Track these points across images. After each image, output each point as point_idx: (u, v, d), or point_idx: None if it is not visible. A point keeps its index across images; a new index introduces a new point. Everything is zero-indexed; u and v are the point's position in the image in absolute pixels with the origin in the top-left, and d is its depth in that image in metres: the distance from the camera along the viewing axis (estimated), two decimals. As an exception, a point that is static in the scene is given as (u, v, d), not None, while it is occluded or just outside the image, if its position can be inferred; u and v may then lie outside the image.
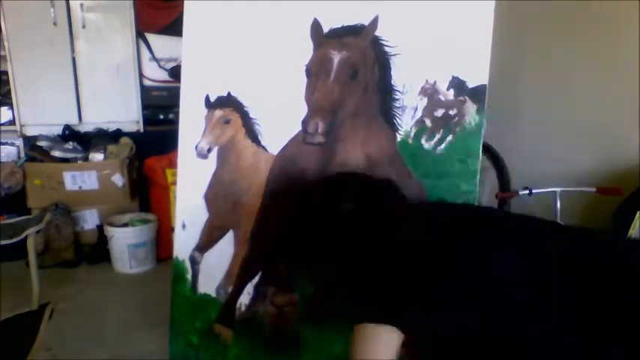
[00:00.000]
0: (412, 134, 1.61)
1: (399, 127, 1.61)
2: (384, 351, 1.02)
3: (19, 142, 3.59)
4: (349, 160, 1.62)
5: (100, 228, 3.40)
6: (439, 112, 1.59)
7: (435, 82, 1.58)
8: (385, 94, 1.61)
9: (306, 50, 1.64)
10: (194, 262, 1.89)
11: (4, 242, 1.70)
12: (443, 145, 1.58)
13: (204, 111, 1.86)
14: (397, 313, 1.03)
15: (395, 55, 1.58)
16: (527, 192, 2.21)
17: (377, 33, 1.58)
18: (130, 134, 3.63)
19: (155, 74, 3.75)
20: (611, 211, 2.25)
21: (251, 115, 1.79)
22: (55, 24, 3.43)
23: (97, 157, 3.35)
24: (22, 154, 3.55)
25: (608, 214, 2.27)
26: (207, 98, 1.85)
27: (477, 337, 1.04)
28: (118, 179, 3.35)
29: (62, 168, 3.29)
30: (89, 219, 3.45)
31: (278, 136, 1.73)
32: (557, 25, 2.79)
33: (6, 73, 3.44)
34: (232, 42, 1.80)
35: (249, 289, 1.79)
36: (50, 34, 3.44)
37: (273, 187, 1.75)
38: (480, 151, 1.56)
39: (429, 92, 1.59)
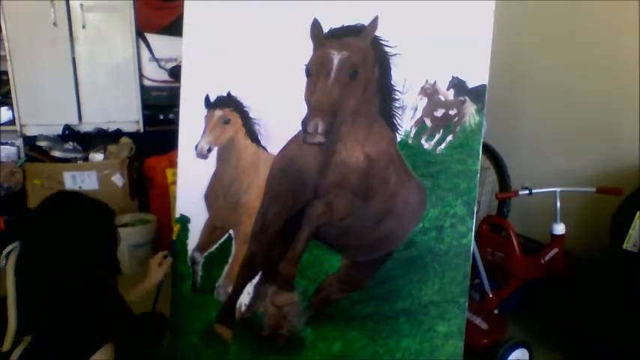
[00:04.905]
0: (412, 134, 1.61)
1: (399, 127, 1.61)
2: None
3: (19, 142, 3.58)
4: (349, 160, 1.62)
5: (100, 228, 3.38)
6: (439, 112, 1.59)
7: (435, 82, 1.58)
8: (385, 94, 1.61)
9: (306, 50, 1.64)
10: (194, 262, 1.89)
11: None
12: (443, 145, 1.58)
13: (204, 111, 1.86)
14: None
15: (395, 55, 1.58)
16: (527, 192, 2.21)
17: (377, 33, 1.58)
18: (130, 134, 3.63)
19: (155, 74, 3.74)
20: (611, 211, 2.24)
21: (251, 115, 1.79)
22: (55, 24, 3.42)
23: (97, 157, 3.35)
24: (22, 154, 3.54)
25: (608, 214, 2.26)
26: (207, 98, 1.85)
27: None
28: (118, 179, 3.34)
29: (62, 168, 3.28)
30: (89, 219, 3.43)
31: (278, 136, 1.73)
32: (557, 24, 2.79)
33: (6, 73, 3.44)
34: (232, 42, 1.80)
35: (249, 289, 1.79)
36: (50, 34, 3.43)
37: (273, 187, 1.75)
38: (480, 151, 1.56)
39: (429, 92, 1.59)
